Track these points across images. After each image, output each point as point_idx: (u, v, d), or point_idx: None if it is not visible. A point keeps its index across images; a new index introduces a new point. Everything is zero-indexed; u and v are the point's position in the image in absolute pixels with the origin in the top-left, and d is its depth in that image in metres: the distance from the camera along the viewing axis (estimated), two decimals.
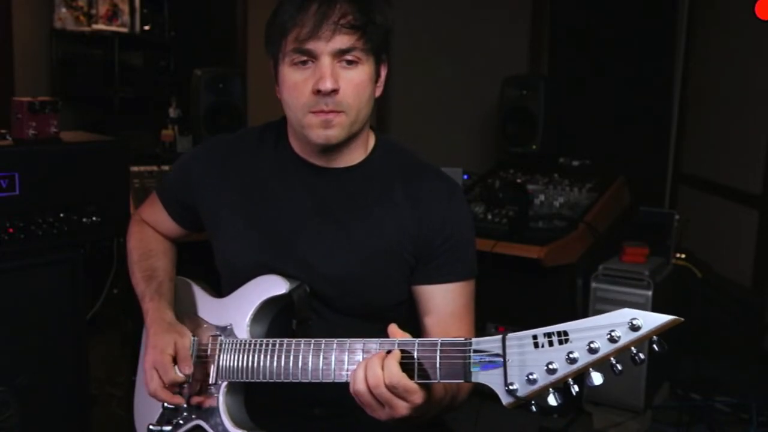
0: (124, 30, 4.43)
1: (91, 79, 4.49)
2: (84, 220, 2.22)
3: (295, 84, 1.34)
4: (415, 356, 1.13)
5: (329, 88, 1.30)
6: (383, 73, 1.43)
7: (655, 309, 1.04)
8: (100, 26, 4.39)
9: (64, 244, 2.21)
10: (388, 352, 1.15)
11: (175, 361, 1.39)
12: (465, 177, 3.60)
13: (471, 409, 3.01)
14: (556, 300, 3.09)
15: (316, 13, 1.29)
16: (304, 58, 1.32)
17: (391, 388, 1.12)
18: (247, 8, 4.85)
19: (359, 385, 1.14)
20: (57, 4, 4.30)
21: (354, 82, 1.33)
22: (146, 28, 4.57)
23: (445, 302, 1.44)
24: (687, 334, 3.39)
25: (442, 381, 1.11)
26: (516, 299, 3.10)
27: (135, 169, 2.97)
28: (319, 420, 1.47)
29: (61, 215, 2.18)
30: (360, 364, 1.16)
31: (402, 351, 1.14)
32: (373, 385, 1.13)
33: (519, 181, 3.43)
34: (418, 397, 1.13)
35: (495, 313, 3.09)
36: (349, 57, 1.31)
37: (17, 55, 4.18)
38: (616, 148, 4.54)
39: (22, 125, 2.14)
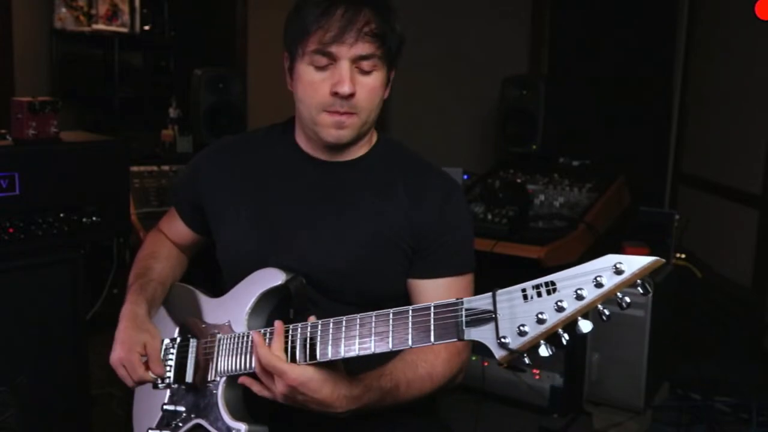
0: (124, 30, 4.42)
1: (91, 79, 4.49)
2: (84, 220, 2.22)
3: (312, 83, 1.38)
4: (410, 323, 1.15)
5: (347, 92, 1.35)
6: (392, 77, 1.48)
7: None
8: (100, 26, 4.39)
9: (64, 244, 2.21)
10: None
11: (144, 361, 1.43)
12: (465, 177, 3.60)
13: (471, 409, 3.02)
14: None
15: (341, 18, 1.33)
16: (325, 60, 1.36)
17: (266, 368, 1.23)
18: (247, 8, 4.85)
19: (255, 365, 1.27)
20: (57, 4, 4.30)
21: (368, 87, 1.38)
22: (146, 28, 4.56)
23: (439, 296, 1.44)
24: (687, 334, 3.39)
25: (437, 343, 1.13)
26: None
27: (135, 169, 2.97)
28: (317, 417, 1.47)
29: (61, 215, 2.18)
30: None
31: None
32: (258, 367, 1.25)
33: (519, 181, 3.43)
34: (289, 378, 1.21)
35: None
36: (366, 63, 1.37)
37: (17, 55, 4.18)
38: (616, 148, 4.54)
39: (22, 125, 2.14)
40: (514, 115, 3.71)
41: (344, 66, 1.35)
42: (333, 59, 1.36)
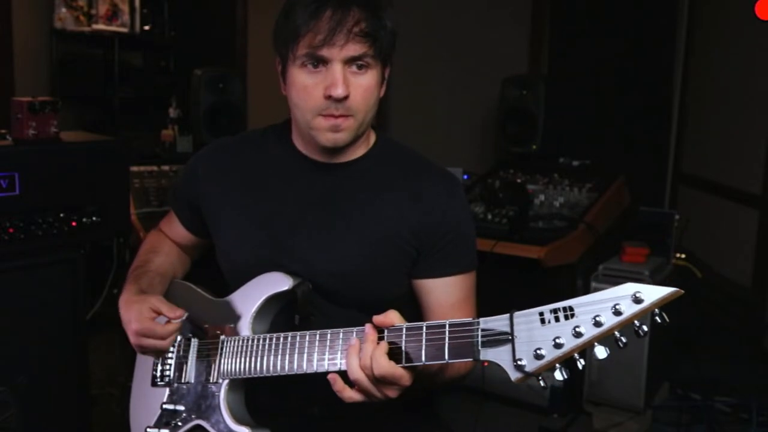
0: (124, 30, 4.43)
1: (91, 79, 4.49)
2: (84, 220, 2.22)
3: (305, 87, 1.36)
4: (423, 340, 1.15)
5: (341, 95, 1.33)
6: (387, 74, 1.45)
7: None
8: (100, 26, 4.39)
9: (64, 244, 2.21)
10: (380, 338, 1.19)
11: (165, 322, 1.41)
12: (465, 177, 3.60)
13: (471, 409, 3.02)
14: (556, 300, 3.08)
15: (330, 19, 1.30)
16: (316, 63, 1.34)
17: (381, 379, 1.17)
18: (247, 8, 4.85)
19: (357, 373, 1.18)
20: (57, 4, 4.30)
21: (363, 87, 1.36)
22: (146, 28, 4.57)
23: (446, 295, 1.46)
24: (687, 334, 3.39)
25: (450, 361, 1.14)
26: (516, 299, 3.08)
27: (135, 169, 2.97)
28: (319, 419, 1.48)
29: (61, 215, 2.18)
30: (351, 353, 1.19)
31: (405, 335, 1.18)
32: (364, 376, 1.18)
33: (519, 181, 3.43)
34: (407, 380, 1.18)
35: (494, 313, 3.08)
36: (359, 63, 1.34)
37: (17, 55, 4.18)
38: (616, 148, 4.55)
39: (22, 125, 2.14)
40: (514, 115, 3.71)
41: (336, 68, 1.32)
42: (324, 62, 1.33)
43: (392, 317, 1.20)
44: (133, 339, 1.42)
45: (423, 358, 1.15)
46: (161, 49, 4.83)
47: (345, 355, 1.22)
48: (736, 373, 3.41)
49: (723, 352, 3.60)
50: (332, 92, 1.32)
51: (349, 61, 1.33)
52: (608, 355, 1.03)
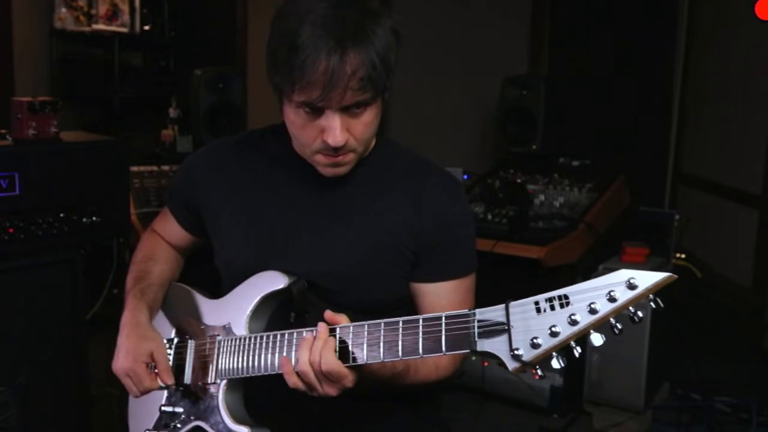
0: (124, 30, 4.43)
1: (91, 79, 4.49)
2: (84, 220, 2.22)
3: (303, 126, 1.33)
4: (420, 332, 1.16)
5: (340, 144, 1.30)
6: (387, 94, 1.40)
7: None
8: (100, 26, 4.39)
9: (64, 244, 2.21)
10: (332, 332, 1.23)
11: (152, 370, 1.41)
12: (465, 177, 3.60)
13: (471, 409, 3.02)
14: None
15: (325, 73, 1.22)
16: (313, 110, 1.30)
17: (327, 375, 1.20)
18: (247, 8, 4.85)
19: (304, 366, 1.22)
20: (57, 4, 4.30)
21: (363, 124, 1.33)
22: (146, 28, 4.57)
23: (444, 298, 1.45)
24: (687, 334, 3.39)
25: (447, 353, 1.15)
26: (516, 299, 3.07)
27: (135, 169, 2.97)
28: (318, 417, 1.48)
29: (61, 215, 2.18)
30: (303, 346, 1.22)
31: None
32: (311, 370, 1.21)
33: (519, 181, 3.43)
34: (349, 381, 1.22)
35: None
36: (358, 110, 1.31)
37: (17, 55, 4.18)
38: (616, 148, 4.55)
39: (22, 125, 2.14)
40: (514, 115, 3.71)
41: (334, 117, 1.28)
42: (322, 110, 1.28)
43: (340, 318, 1.24)
44: (117, 369, 1.42)
45: (420, 351, 1.16)
46: (161, 49, 4.83)
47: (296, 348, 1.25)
48: (736, 373, 3.41)
49: (723, 352, 3.60)
50: (330, 141, 1.29)
51: (346, 108, 1.29)
52: (604, 342, 1.04)
